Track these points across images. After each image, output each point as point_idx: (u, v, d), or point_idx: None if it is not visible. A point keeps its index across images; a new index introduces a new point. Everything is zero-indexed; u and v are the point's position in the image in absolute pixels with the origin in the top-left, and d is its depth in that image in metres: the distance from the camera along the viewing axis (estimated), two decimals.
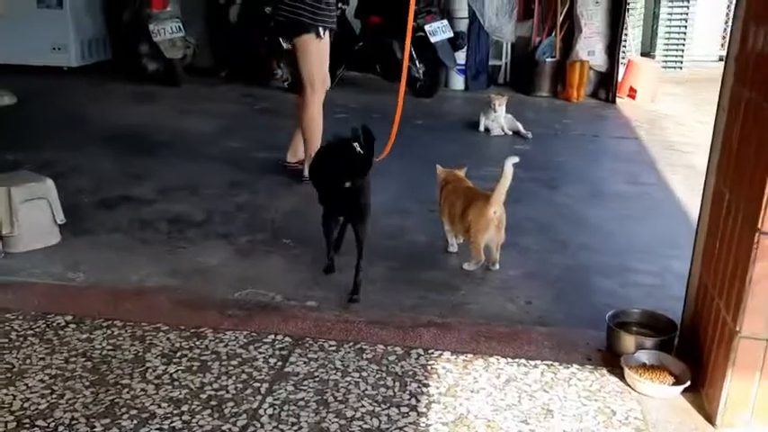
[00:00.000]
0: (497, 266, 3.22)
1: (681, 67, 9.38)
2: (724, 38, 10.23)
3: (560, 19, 7.18)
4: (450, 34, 6.75)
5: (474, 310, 2.89)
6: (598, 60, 7.00)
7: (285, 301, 2.96)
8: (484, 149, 5.44)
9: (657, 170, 4.81)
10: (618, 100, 6.94)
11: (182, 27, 6.95)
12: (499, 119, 5.67)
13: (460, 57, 7.21)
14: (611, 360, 2.41)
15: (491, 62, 7.60)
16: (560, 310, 2.89)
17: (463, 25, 7.25)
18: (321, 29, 4.10)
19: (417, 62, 6.86)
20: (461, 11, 7.28)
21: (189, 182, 4.40)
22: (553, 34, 7.24)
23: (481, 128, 5.75)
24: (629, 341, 2.41)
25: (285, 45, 6.49)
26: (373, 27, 7.03)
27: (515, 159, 3.05)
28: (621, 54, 7.07)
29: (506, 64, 7.69)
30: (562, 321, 2.79)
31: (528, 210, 3.91)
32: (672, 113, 6.65)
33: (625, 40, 7.25)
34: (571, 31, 7.18)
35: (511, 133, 5.66)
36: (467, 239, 3.21)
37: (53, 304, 2.79)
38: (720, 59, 10.29)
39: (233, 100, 6.81)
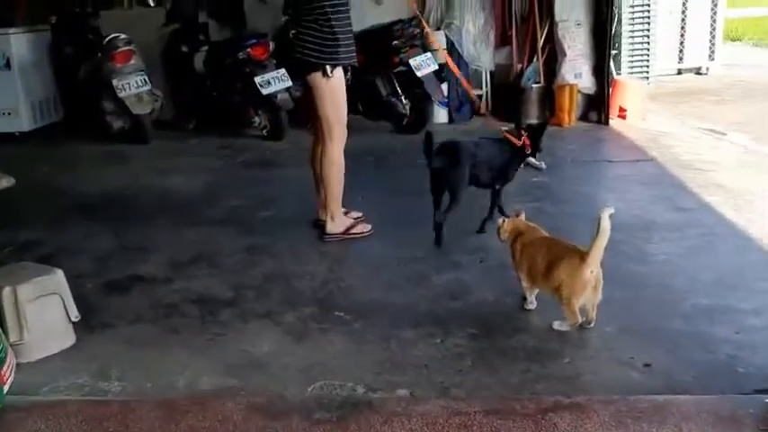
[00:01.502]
0: (593, 325, 2.86)
1: (648, 83, 9.39)
2: (681, 52, 10.46)
3: (541, 43, 7.00)
4: (436, 67, 6.49)
5: (592, 381, 2.52)
6: (586, 83, 6.83)
7: (370, 392, 2.52)
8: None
9: (692, 193, 4.58)
10: (609, 121, 6.78)
11: (147, 80, 6.45)
12: None
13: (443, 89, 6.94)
14: None
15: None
16: (685, 371, 2.54)
17: (441, 57, 6.99)
18: (329, 67, 3.74)
19: (403, 98, 6.55)
20: (440, 43, 7.01)
21: (200, 251, 3.91)
22: (535, 59, 7.05)
23: None
24: None
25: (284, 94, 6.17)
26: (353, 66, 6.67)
27: (611, 210, 2.72)
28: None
29: (487, 93, 7.46)
30: (694, 384, 2.45)
31: None
32: (667, 130, 6.51)
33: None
34: (553, 55, 7.01)
35: (523, 165, 5.36)
36: (557, 299, 2.85)
37: (98, 430, 2.28)
38: (679, 72, 10.49)
39: (211, 153, 6.32)
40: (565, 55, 6.83)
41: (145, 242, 4.05)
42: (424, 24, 6.47)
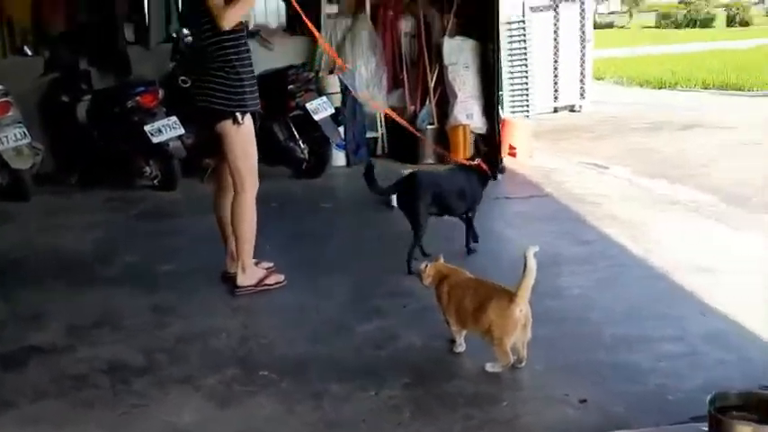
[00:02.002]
0: (524, 363, 2.88)
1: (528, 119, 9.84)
2: (556, 91, 11.06)
3: (432, 85, 7.18)
4: (332, 110, 6.48)
5: (533, 422, 2.52)
6: (477, 123, 7.05)
7: None
8: None
9: (590, 226, 4.78)
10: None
11: (26, 133, 6.01)
12: None
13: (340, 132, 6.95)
14: None
15: (367, 134, 7.41)
16: (617, 404, 2.59)
17: (336, 100, 7.01)
18: (239, 114, 3.64)
19: (300, 142, 6.49)
20: (333, 86, 7.04)
21: (102, 314, 3.65)
22: (427, 101, 7.21)
23: (394, 203, 5.45)
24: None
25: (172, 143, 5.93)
26: None
27: (536, 249, 2.77)
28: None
29: (383, 135, 7.54)
30: (628, 416, 2.49)
31: None
32: (554, 166, 6.81)
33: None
34: (444, 96, 7.20)
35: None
36: (487, 341, 2.85)
37: None
38: (555, 110, 11.06)
39: (99, 207, 5.96)
40: (456, 97, 7.04)
41: (39, 308, 3.72)
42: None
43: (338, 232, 5.02)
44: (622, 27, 39.41)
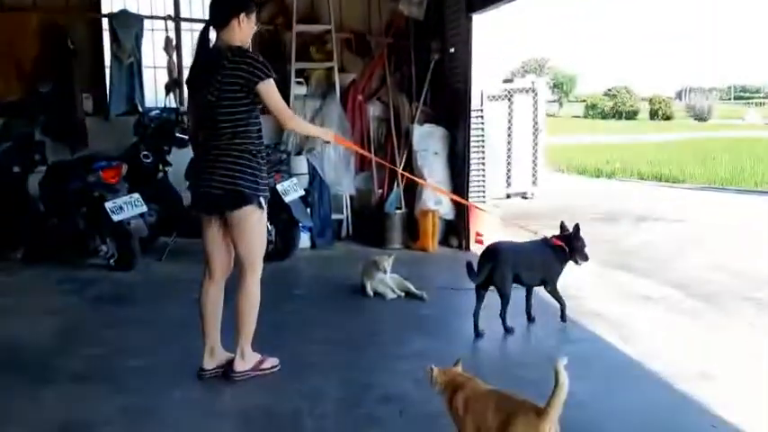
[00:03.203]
0: None
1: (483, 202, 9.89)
2: (509, 177, 11.23)
3: (400, 170, 7.12)
4: (302, 192, 6.33)
5: None
6: (445, 209, 7.01)
7: None
8: (394, 319, 4.96)
9: (576, 322, 4.69)
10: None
11: None
12: (387, 280, 5.26)
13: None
14: None
15: (333, 216, 7.26)
16: None
17: (304, 182, 6.87)
18: (263, 199, 3.55)
19: (268, 224, 6.25)
20: (301, 168, 6.92)
21: (67, 419, 3.26)
22: (396, 186, 7.15)
23: (369, 292, 5.27)
24: None
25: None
26: None
27: (564, 361, 2.61)
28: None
29: (348, 217, 7.40)
30: None
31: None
32: None
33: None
34: (412, 181, 7.14)
35: (403, 295, 5.26)
36: None
37: None
38: (508, 196, 11.20)
39: (51, 289, 5.52)
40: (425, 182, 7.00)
41: None
42: None
43: (316, 324, 4.75)
44: (553, 115, 41.14)
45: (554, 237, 4.60)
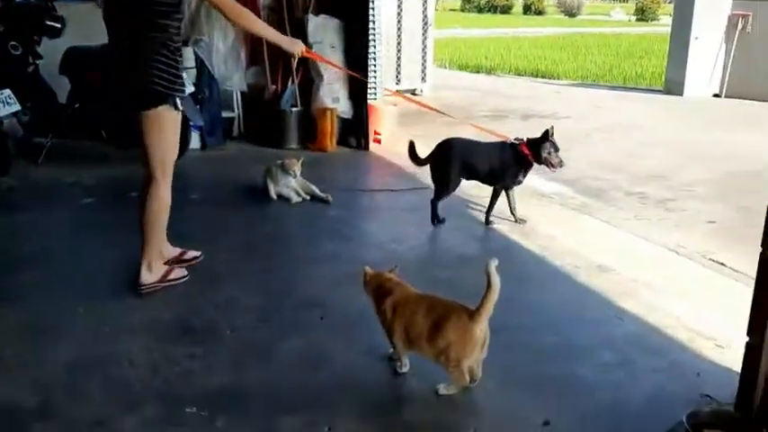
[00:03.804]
0: (476, 383, 2.76)
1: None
2: (398, 74, 11.08)
3: (295, 64, 6.81)
4: (192, 88, 5.91)
5: None
6: (343, 107, 6.83)
7: None
8: (301, 222, 4.87)
9: (477, 220, 4.80)
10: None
11: None
12: (292, 183, 5.12)
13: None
14: None
15: (223, 114, 6.91)
16: (579, 423, 2.57)
17: (191, 76, 6.43)
18: (178, 99, 3.32)
19: None
20: (188, 60, 6.43)
21: None
22: (290, 82, 6.85)
23: (272, 195, 5.12)
24: None
25: None
26: (91, 85, 5.79)
27: (495, 262, 2.64)
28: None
29: (239, 116, 7.06)
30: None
31: None
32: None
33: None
34: (308, 77, 6.88)
35: (309, 198, 5.15)
36: (442, 362, 2.68)
37: None
38: (397, 91, 11.09)
39: None
40: (322, 78, 6.76)
41: None
42: None
43: (220, 231, 4.58)
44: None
45: (520, 141, 4.61)
